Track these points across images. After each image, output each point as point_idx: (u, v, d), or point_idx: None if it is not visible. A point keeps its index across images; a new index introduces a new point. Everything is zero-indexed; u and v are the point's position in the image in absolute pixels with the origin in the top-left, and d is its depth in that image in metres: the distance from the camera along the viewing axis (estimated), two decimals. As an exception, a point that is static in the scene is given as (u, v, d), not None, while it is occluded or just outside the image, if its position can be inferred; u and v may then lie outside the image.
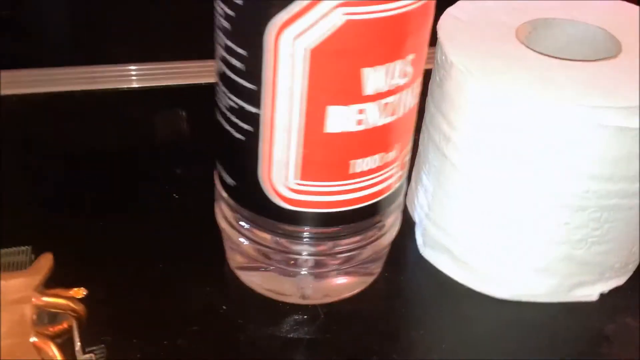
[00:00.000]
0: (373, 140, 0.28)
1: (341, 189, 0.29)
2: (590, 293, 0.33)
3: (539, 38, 0.34)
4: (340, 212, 0.29)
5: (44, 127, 0.43)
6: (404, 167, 0.31)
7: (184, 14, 0.55)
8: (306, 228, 0.30)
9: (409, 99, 0.28)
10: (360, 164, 0.28)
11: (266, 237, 0.31)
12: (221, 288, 0.33)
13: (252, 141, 0.28)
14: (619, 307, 0.33)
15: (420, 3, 0.26)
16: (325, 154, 0.28)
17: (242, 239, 0.31)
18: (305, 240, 0.30)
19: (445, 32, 0.33)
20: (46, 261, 0.28)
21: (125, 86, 0.48)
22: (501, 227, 0.32)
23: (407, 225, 0.36)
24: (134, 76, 0.49)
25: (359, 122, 0.27)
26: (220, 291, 0.33)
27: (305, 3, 0.25)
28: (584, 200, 0.30)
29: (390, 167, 0.29)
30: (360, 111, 0.27)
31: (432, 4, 0.27)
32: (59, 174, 0.40)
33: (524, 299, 0.33)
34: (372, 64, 0.26)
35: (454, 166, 0.32)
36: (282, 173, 0.28)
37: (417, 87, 0.29)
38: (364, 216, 0.30)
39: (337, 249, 0.31)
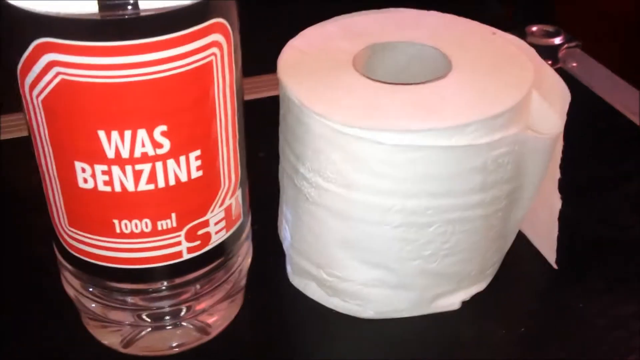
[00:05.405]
0: (134, 204, 0.28)
1: (109, 245, 0.29)
2: (452, 302, 0.35)
3: (378, 62, 0.35)
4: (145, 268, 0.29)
5: None
6: (192, 239, 0.29)
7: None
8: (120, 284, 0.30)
9: (176, 170, 0.27)
10: (125, 225, 0.28)
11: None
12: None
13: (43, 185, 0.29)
14: (480, 313, 0.35)
15: (147, 77, 0.25)
16: (84, 209, 0.28)
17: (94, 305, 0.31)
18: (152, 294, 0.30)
19: (284, 65, 0.34)
20: None
21: None
22: (354, 249, 0.33)
23: (281, 255, 0.37)
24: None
25: (106, 183, 0.27)
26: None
27: (26, 55, 0.25)
28: (428, 217, 0.31)
29: (168, 235, 0.29)
30: (104, 172, 0.27)
31: (180, 78, 0.26)
32: None
33: (389, 315, 0.34)
34: (106, 127, 0.26)
35: (305, 196, 0.33)
36: (60, 221, 0.29)
37: (190, 160, 0.27)
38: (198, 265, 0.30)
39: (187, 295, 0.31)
